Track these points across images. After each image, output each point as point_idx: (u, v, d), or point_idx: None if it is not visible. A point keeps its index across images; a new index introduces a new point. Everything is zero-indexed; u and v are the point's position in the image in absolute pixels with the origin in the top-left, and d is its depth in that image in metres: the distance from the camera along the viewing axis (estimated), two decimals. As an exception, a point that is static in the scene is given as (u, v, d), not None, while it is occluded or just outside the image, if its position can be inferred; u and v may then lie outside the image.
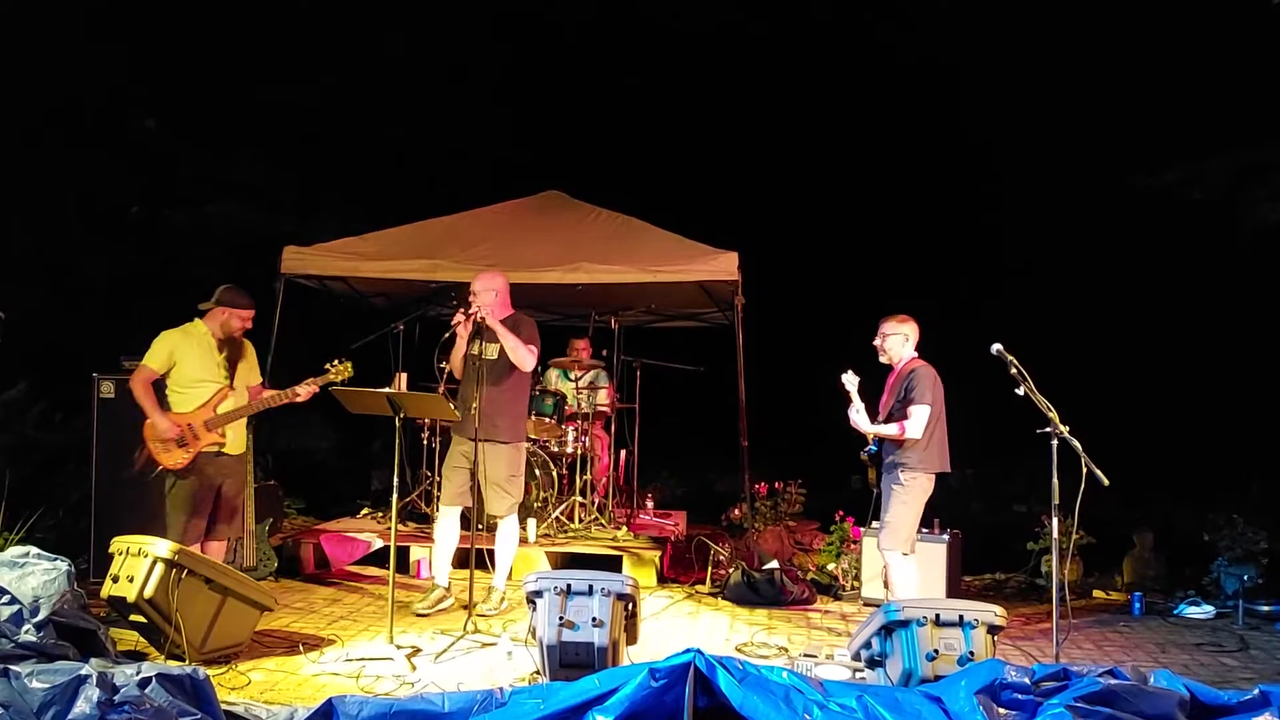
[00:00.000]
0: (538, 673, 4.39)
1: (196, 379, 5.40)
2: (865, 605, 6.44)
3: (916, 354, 5.49)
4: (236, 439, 5.55)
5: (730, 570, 6.74)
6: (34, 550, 4.32)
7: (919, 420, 5.23)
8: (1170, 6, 9.53)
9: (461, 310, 5.62)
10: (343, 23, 11.32)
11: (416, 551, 7.04)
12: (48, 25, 9.10)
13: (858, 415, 5.36)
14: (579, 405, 7.98)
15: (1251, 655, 5.48)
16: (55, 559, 4.29)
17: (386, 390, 5.12)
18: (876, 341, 5.54)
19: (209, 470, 5.41)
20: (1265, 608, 6.37)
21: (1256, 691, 3.43)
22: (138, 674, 3.40)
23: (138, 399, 5.32)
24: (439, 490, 6.31)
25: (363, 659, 4.77)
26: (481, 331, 5.62)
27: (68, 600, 4.18)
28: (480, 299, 5.66)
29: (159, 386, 5.41)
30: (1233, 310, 10.69)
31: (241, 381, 5.56)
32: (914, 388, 5.28)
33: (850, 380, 5.35)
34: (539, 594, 4.30)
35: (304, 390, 5.49)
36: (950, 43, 12.25)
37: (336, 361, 5.51)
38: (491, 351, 5.71)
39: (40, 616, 4.03)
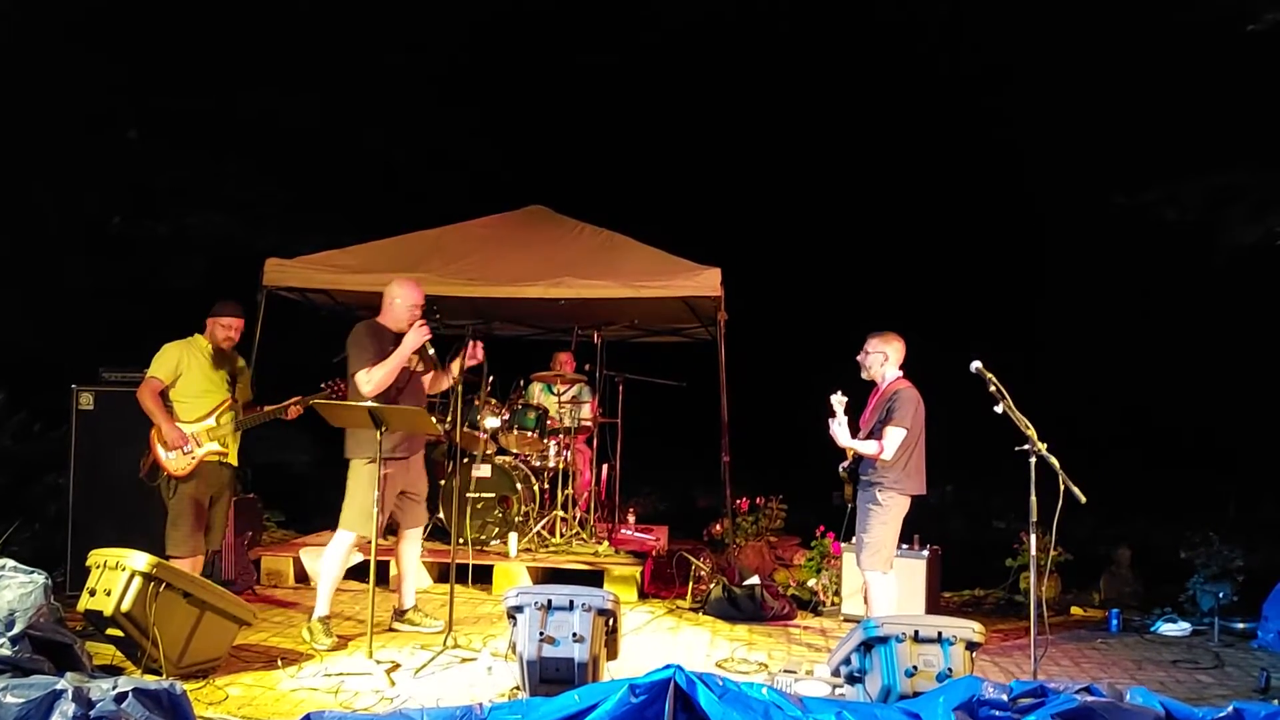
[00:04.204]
0: (518, 688, 4.38)
1: (202, 390, 5.54)
2: (845, 621, 6.46)
3: (901, 374, 5.52)
4: (233, 451, 5.70)
5: (711, 586, 6.75)
6: (10, 563, 4.29)
7: (893, 442, 5.26)
8: (1149, 31, 9.66)
9: (425, 323, 5.42)
10: (329, 36, 11.32)
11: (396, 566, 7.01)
12: (30, 33, 9.06)
13: (839, 428, 5.39)
14: (561, 419, 7.98)
15: (1227, 672, 5.51)
16: (32, 572, 4.27)
17: (368, 404, 5.11)
18: (860, 356, 5.57)
19: (209, 479, 5.57)
20: (1241, 625, 6.41)
21: (1231, 708, 3.47)
22: (114, 688, 3.37)
23: (146, 407, 5.44)
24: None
25: (341, 674, 4.75)
26: (423, 348, 5.52)
27: (44, 614, 4.15)
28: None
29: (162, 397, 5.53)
30: (1209, 330, 10.81)
31: (241, 395, 5.72)
32: (895, 410, 5.30)
33: (839, 401, 5.38)
34: (519, 609, 4.30)
35: (294, 408, 5.62)
36: (936, 60, 12.38)
37: (332, 382, 5.53)
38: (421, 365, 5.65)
39: (15, 630, 4.00)
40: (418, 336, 5.34)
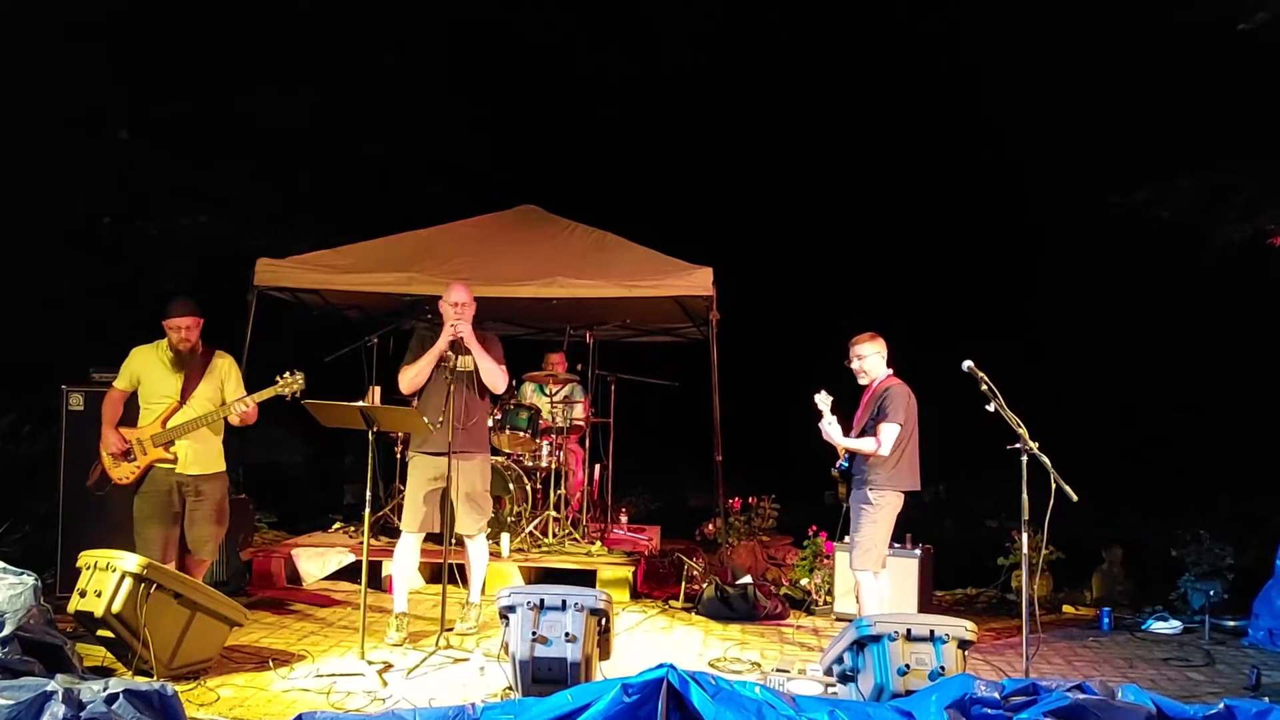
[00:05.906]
0: (510, 688, 4.38)
1: (160, 395, 5.36)
2: (838, 620, 6.47)
3: (891, 370, 5.52)
4: (197, 457, 5.36)
5: (704, 585, 6.75)
6: None
7: (889, 438, 5.27)
8: (1142, 31, 9.69)
9: (451, 324, 5.47)
10: (321, 37, 11.29)
11: (389, 566, 6.99)
12: (20, 33, 9.00)
13: (830, 427, 5.38)
14: (554, 419, 7.97)
15: (1218, 670, 5.54)
16: (21, 573, 4.25)
17: (360, 404, 5.10)
18: (854, 365, 5.54)
19: (163, 485, 5.31)
20: (1231, 623, 6.44)
21: (1222, 706, 3.47)
22: (105, 690, 3.36)
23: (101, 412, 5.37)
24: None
25: (333, 675, 4.74)
26: (458, 344, 5.51)
27: (34, 615, 4.13)
28: (466, 311, 5.53)
29: (132, 402, 5.41)
30: (1200, 329, 10.85)
31: (203, 397, 5.39)
32: (888, 405, 5.31)
33: (823, 400, 5.37)
34: (512, 609, 4.29)
35: (238, 407, 5.32)
36: (925, 61, 12.39)
37: (288, 373, 5.31)
38: (468, 363, 5.57)
39: (5, 632, 3.98)
40: (444, 336, 5.44)
